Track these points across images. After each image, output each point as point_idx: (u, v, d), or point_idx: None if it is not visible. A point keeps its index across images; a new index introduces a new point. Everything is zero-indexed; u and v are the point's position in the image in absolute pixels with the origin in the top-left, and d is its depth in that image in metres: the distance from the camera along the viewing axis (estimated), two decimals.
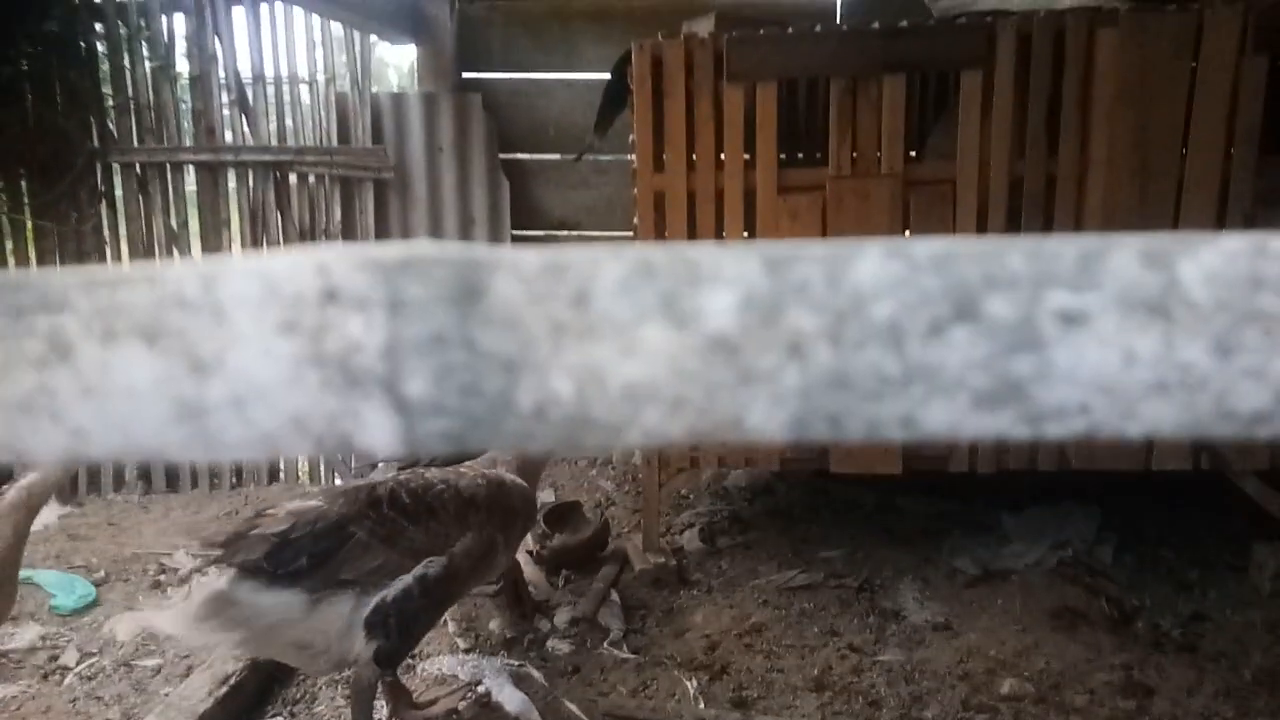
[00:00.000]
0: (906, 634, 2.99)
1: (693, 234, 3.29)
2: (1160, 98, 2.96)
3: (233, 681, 2.58)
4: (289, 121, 4.60)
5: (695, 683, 2.69)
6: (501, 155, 4.69)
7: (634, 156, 3.30)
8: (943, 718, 2.52)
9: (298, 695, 2.68)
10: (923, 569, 3.41)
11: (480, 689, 2.61)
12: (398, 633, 2.21)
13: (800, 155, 4.36)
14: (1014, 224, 3.15)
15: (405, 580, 2.21)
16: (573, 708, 2.52)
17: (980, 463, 3.28)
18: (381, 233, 4.64)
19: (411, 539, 2.23)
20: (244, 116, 4.53)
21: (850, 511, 3.94)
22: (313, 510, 2.18)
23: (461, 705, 2.55)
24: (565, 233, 4.83)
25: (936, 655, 2.84)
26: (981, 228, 3.16)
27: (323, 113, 4.57)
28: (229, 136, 4.53)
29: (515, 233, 4.74)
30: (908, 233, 3.21)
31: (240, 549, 2.09)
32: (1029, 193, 3.13)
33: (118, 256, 4.61)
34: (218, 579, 2.10)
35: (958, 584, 3.30)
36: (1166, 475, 3.23)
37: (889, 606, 3.16)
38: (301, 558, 2.10)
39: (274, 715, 2.60)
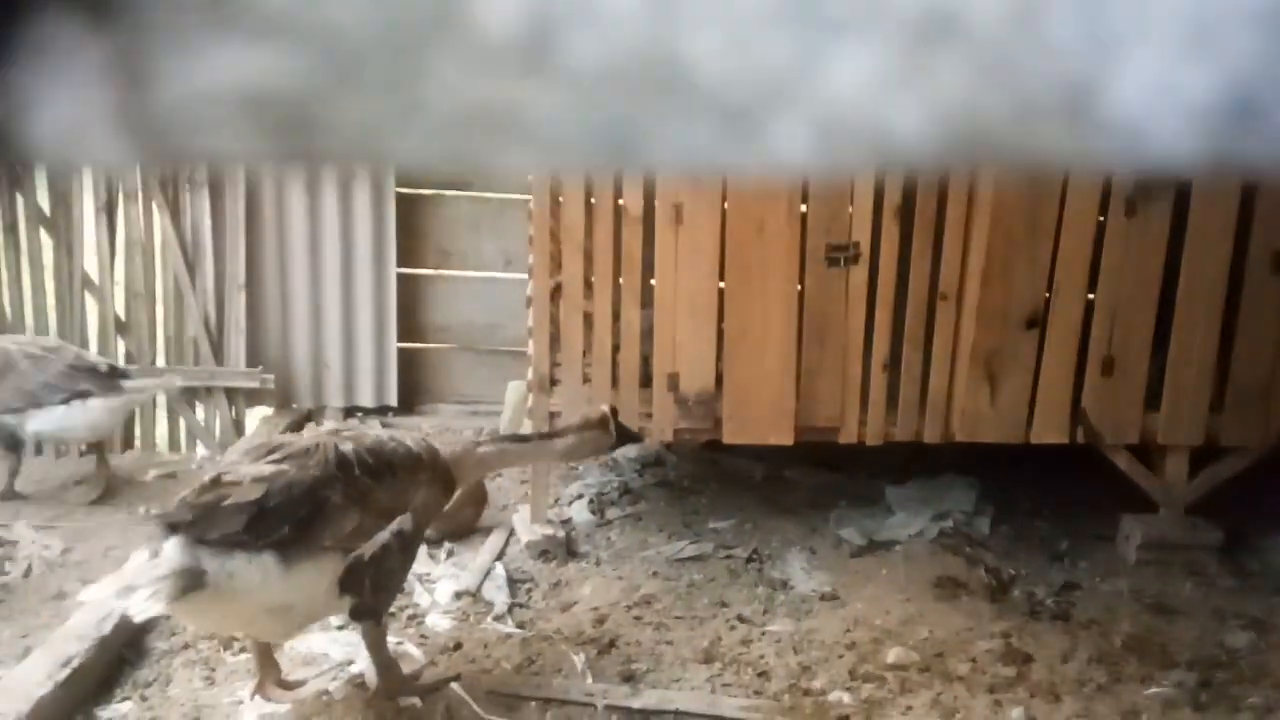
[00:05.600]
0: (794, 604, 2.98)
1: (589, 196, 3.17)
2: None
3: (75, 664, 2.35)
4: None
5: (583, 657, 2.61)
6: None
7: None
8: (830, 687, 2.51)
9: (150, 677, 2.47)
10: (810, 539, 3.42)
11: (354, 669, 2.46)
12: (374, 589, 2.21)
13: None
14: (909, 198, 3.16)
15: (384, 537, 2.19)
16: (455, 687, 2.40)
17: (869, 435, 3.29)
18: (253, 183, 4.34)
19: (379, 499, 2.21)
20: None
21: (739, 483, 3.92)
22: (283, 475, 2.06)
23: (333, 685, 2.40)
24: (453, 192, 4.63)
25: (824, 625, 2.84)
26: (878, 200, 3.14)
27: None
28: None
29: (400, 190, 4.51)
30: (805, 204, 3.18)
31: (215, 522, 1.97)
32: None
33: None
34: (183, 553, 1.94)
35: (844, 554, 3.32)
36: (1042, 449, 3.32)
37: (777, 577, 3.15)
38: (284, 526, 2.02)
39: (123, 699, 2.38)
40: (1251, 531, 3.45)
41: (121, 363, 4.31)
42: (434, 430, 4.36)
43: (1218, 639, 2.84)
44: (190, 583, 1.92)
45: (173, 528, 1.96)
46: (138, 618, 1.91)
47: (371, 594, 2.21)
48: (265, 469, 2.06)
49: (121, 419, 3.93)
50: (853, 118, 0.20)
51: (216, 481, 2.05)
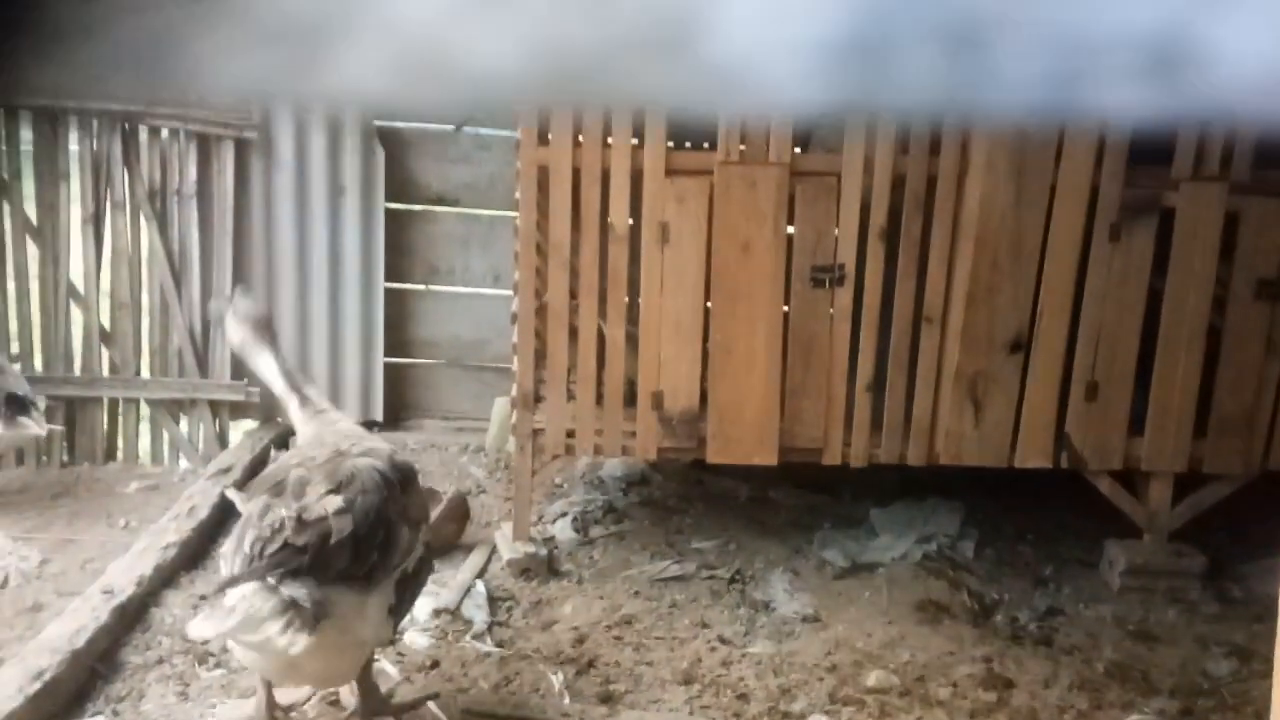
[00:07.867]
0: (776, 625, 2.96)
1: (576, 214, 3.18)
2: None
3: (47, 677, 2.32)
4: None
5: (561, 676, 2.59)
6: (377, 123, 4.46)
7: (518, 130, 3.16)
8: (810, 710, 2.50)
9: (123, 692, 2.44)
10: (793, 561, 3.41)
11: None
12: (410, 602, 2.22)
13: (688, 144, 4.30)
14: (895, 221, 3.17)
15: (419, 551, 2.18)
16: (431, 706, 2.37)
17: (853, 456, 3.29)
18: (242, 196, 4.33)
19: (413, 511, 2.20)
20: None
21: (724, 503, 3.91)
22: (358, 504, 2.00)
23: (308, 706, 2.37)
24: (443, 208, 4.63)
25: (805, 647, 2.82)
26: (864, 222, 3.16)
27: None
28: None
29: (389, 205, 4.51)
30: (791, 226, 3.18)
31: (330, 560, 1.91)
32: (911, 191, 3.15)
33: None
34: (282, 590, 1.85)
35: (827, 576, 3.31)
36: (1026, 474, 3.32)
37: (759, 598, 3.13)
38: (373, 554, 1.99)
39: (95, 714, 2.35)
40: (1234, 558, 3.45)
41: (106, 373, 4.29)
42: (419, 446, 4.35)
43: (1200, 666, 2.83)
44: (319, 611, 1.84)
45: (291, 574, 1.86)
46: (291, 651, 1.82)
47: (406, 609, 2.20)
48: (339, 500, 1.98)
49: None
50: (424, 47, 0.18)
51: (301, 521, 1.92)
